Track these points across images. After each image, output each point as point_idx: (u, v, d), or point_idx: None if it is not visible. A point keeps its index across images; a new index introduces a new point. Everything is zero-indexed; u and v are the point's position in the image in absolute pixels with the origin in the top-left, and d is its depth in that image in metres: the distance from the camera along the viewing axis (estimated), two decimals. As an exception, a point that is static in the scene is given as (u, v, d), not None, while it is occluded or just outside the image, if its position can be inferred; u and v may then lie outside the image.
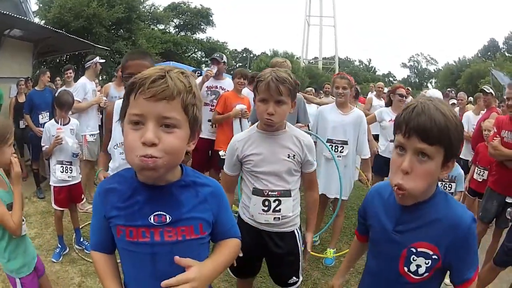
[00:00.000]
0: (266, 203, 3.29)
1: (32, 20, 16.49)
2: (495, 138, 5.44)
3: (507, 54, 66.86)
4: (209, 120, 7.44)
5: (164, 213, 1.83)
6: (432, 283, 2.16)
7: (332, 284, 2.82)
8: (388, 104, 7.49)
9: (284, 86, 3.10)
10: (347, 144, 5.66)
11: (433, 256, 2.04)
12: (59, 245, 5.85)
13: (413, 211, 2.07)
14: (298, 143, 3.30)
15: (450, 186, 5.64)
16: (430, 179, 1.96)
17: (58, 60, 25.42)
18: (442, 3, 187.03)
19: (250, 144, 3.32)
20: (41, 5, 31.12)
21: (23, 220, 3.58)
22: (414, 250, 2.07)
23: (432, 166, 1.90)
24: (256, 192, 3.30)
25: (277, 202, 3.28)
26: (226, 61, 7.84)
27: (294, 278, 3.54)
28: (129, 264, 1.95)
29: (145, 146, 1.64)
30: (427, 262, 2.06)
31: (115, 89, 8.60)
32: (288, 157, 3.26)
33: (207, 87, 7.56)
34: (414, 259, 2.07)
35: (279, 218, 3.32)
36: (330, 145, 5.63)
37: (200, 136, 6.94)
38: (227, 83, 7.75)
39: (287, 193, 3.31)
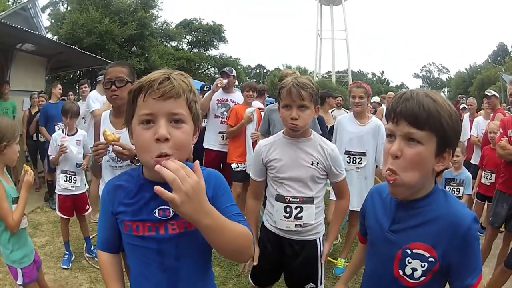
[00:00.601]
0: (288, 209, 3.29)
1: (44, 35, 16.68)
2: (502, 138, 5.35)
3: (516, 58, 65.83)
4: (220, 132, 7.57)
5: (168, 207, 1.87)
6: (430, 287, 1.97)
7: None
8: None
9: (306, 91, 3.13)
10: (365, 155, 5.60)
11: (430, 259, 1.89)
12: (66, 252, 5.94)
13: (408, 208, 1.96)
14: (322, 152, 3.30)
15: (458, 190, 5.75)
16: (421, 166, 1.82)
17: (71, 76, 25.73)
18: (451, 11, 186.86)
19: (275, 149, 3.35)
20: (53, 21, 31.57)
21: (24, 215, 3.75)
22: (409, 252, 1.94)
23: (422, 150, 1.79)
24: (279, 198, 3.31)
25: (298, 209, 3.28)
26: (235, 75, 8.03)
27: (311, 284, 3.49)
28: (136, 260, 1.98)
29: (159, 142, 1.71)
30: (423, 265, 1.91)
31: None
32: (312, 164, 3.27)
33: (217, 100, 7.68)
34: (409, 261, 1.94)
35: (300, 225, 3.30)
36: (348, 157, 5.57)
37: (211, 148, 7.18)
38: (237, 96, 7.83)
39: (309, 200, 3.30)
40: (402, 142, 1.81)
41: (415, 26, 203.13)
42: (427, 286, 1.94)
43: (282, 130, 3.44)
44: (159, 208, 1.90)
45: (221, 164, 7.60)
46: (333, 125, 6.74)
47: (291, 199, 3.27)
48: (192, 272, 1.90)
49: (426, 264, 1.90)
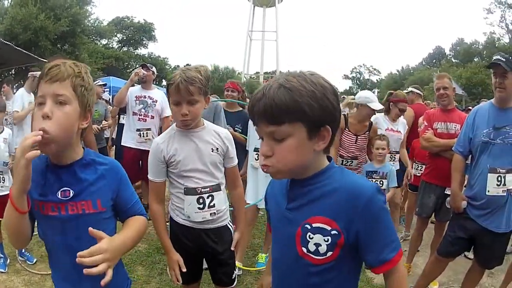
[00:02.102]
0: (201, 200, 3.29)
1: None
2: (427, 131, 5.59)
3: (453, 60, 68.34)
4: (138, 130, 7.55)
5: (68, 189, 2.08)
6: (342, 265, 1.86)
7: (260, 283, 2.78)
8: (387, 112, 7.16)
9: (194, 86, 3.09)
10: None
11: (332, 232, 1.79)
12: (1, 255, 5.80)
13: (303, 185, 1.88)
14: (218, 136, 3.36)
15: (381, 182, 5.90)
16: (297, 153, 1.76)
17: (6, 75, 25.07)
18: (384, 15, 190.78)
19: (173, 144, 3.30)
20: (-3, 16, 30.82)
21: None
22: (309, 227, 1.83)
23: (291, 142, 1.73)
24: (189, 191, 3.28)
25: (210, 197, 3.30)
26: (155, 71, 8.11)
27: (235, 272, 3.60)
28: (46, 238, 2.19)
29: (43, 120, 1.94)
30: (326, 239, 1.80)
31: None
32: (212, 151, 3.31)
33: (135, 96, 7.63)
34: (311, 236, 1.83)
35: (215, 213, 3.33)
36: (256, 154, 5.64)
37: (129, 146, 7.21)
38: (156, 93, 7.84)
39: (217, 187, 3.34)
40: (271, 142, 1.77)
41: (348, 29, 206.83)
42: (339, 262, 1.84)
43: (174, 123, 3.44)
44: (60, 190, 2.09)
45: (140, 162, 7.57)
46: None
47: (202, 190, 3.27)
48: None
49: (329, 238, 1.80)
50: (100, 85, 9.58)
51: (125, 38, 58.07)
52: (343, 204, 1.78)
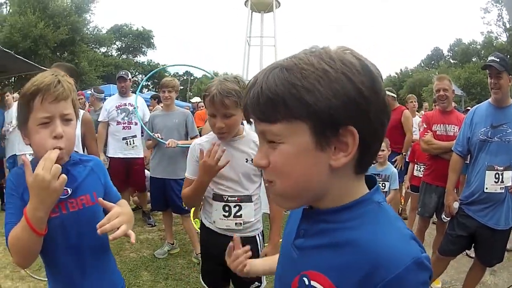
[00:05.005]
0: (227, 208, 3.22)
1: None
2: (426, 133, 5.65)
3: (452, 61, 68.38)
4: (124, 139, 7.59)
5: (66, 187, 2.04)
6: None
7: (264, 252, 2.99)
8: None
9: (229, 99, 2.96)
10: None
11: None
12: None
13: (317, 220, 1.29)
14: (255, 147, 3.14)
15: (384, 185, 5.86)
16: (296, 168, 1.17)
17: (6, 83, 25.14)
18: (381, 18, 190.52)
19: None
20: (-5, 24, 30.98)
21: None
22: (306, 281, 1.25)
23: (287, 149, 1.16)
24: (216, 197, 3.23)
25: (237, 207, 3.22)
26: (131, 78, 8.24)
27: (256, 283, 3.41)
28: (45, 242, 2.10)
29: (56, 139, 2.01)
30: None
31: None
32: (246, 161, 3.20)
33: (116, 106, 7.67)
34: None
35: (240, 223, 3.24)
36: None
37: (118, 156, 7.34)
38: (134, 99, 7.81)
39: (247, 198, 3.24)
40: (265, 146, 1.23)
41: (345, 33, 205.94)
42: None
43: None
44: None
45: (127, 171, 7.67)
46: None
47: (229, 198, 3.21)
48: (94, 252, 2.09)
49: None
50: (99, 98, 9.69)
51: (124, 45, 58.16)
52: (357, 268, 1.11)
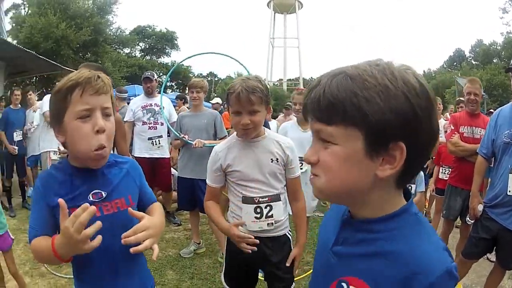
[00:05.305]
0: (258, 210, 3.21)
1: (5, 38, 16.54)
2: (453, 135, 5.67)
3: (473, 62, 67.37)
4: (150, 139, 7.67)
5: (100, 190, 2.12)
6: None
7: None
8: None
9: (255, 95, 3.01)
10: None
11: None
12: None
13: (358, 229, 1.38)
14: (279, 146, 3.25)
15: (410, 187, 5.84)
16: (345, 168, 1.26)
17: (28, 82, 25.39)
18: (405, 19, 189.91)
19: (232, 153, 3.25)
20: (13, 25, 31.22)
21: None
22: (345, 286, 1.36)
23: (338, 151, 1.25)
24: (247, 200, 3.22)
25: (268, 207, 3.21)
26: (157, 78, 8.28)
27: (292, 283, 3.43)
28: None
29: (98, 134, 2.00)
30: None
31: None
32: (271, 161, 3.21)
33: (141, 106, 7.74)
34: None
35: (272, 223, 3.23)
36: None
37: (143, 156, 7.38)
38: (159, 99, 7.83)
39: (277, 197, 3.24)
40: (318, 144, 1.32)
41: (368, 34, 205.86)
42: None
43: (235, 132, 3.35)
44: (92, 192, 2.12)
45: (154, 170, 7.64)
46: None
47: (260, 200, 3.21)
48: (127, 252, 1.99)
49: None
50: (121, 97, 9.76)
51: (147, 47, 58.43)
52: (395, 276, 1.23)
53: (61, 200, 1.82)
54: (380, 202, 1.32)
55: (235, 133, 3.36)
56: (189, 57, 6.77)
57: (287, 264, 3.30)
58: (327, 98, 1.21)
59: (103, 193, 2.13)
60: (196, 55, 7.35)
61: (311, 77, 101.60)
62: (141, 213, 2.08)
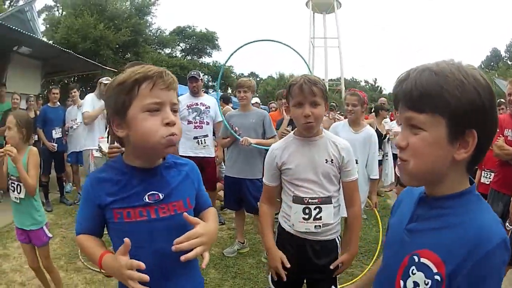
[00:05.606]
0: (307, 210, 3.18)
1: (40, 39, 16.76)
2: (498, 138, 5.36)
3: (509, 62, 66.47)
4: (195, 138, 7.59)
5: (157, 192, 2.07)
6: None
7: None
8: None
9: (317, 87, 3.08)
10: (356, 162, 5.36)
11: (435, 276, 1.47)
12: None
13: (433, 206, 1.60)
14: (335, 147, 3.24)
15: None
16: (431, 151, 1.48)
17: (66, 81, 25.73)
18: (443, 19, 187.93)
19: (288, 152, 3.26)
20: (48, 26, 31.67)
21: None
22: (416, 259, 1.54)
23: (427, 136, 1.48)
24: (297, 200, 3.20)
25: (317, 209, 3.18)
26: (203, 78, 8.27)
27: (333, 287, 3.38)
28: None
29: (168, 126, 1.94)
30: (426, 282, 1.50)
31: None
32: (326, 162, 3.20)
33: (187, 105, 7.67)
34: (414, 272, 1.55)
35: (320, 226, 3.20)
36: None
37: (188, 155, 6.92)
38: (206, 99, 7.89)
39: (327, 200, 3.20)
40: (407, 131, 1.54)
41: (408, 34, 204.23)
42: None
43: (293, 131, 3.39)
44: (148, 193, 2.07)
45: (201, 169, 7.38)
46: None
47: (309, 200, 3.18)
48: (179, 255, 1.96)
49: (430, 281, 1.49)
50: None
51: (188, 47, 58.80)
52: (461, 245, 1.42)
53: (126, 240, 1.85)
54: (453, 182, 1.56)
55: (292, 132, 3.41)
56: (241, 47, 6.59)
57: (331, 267, 3.28)
58: (419, 90, 1.47)
59: (160, 195, 2.09)
60: (250, 42, 7.14)
61: (352, 77, 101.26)
62: (196, 219, 2.06)
